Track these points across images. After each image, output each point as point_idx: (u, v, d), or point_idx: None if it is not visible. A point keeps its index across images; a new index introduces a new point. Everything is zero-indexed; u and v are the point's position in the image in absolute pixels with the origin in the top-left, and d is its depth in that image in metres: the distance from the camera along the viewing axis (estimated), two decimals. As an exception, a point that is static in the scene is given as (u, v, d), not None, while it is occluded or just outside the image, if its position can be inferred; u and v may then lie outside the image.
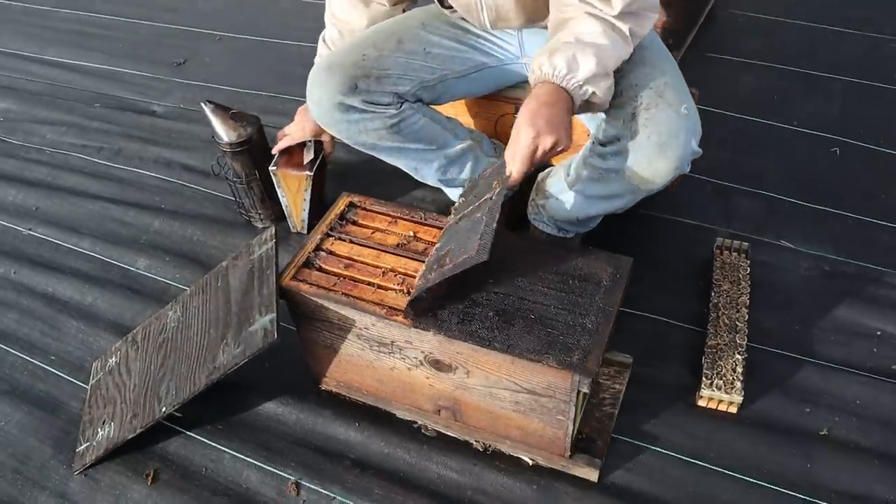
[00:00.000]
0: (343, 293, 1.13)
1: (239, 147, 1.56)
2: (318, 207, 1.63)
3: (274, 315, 1.09)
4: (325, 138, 1.60)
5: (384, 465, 1.23)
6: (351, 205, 1.29)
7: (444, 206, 1.63)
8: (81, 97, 2.21)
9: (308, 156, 1.58)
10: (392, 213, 1.27)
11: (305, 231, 1.67)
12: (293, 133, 1.59)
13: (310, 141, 1.59)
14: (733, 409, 1.25)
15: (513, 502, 1.17)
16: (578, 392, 1.02)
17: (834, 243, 1.54)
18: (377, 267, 1.17)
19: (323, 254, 1.20)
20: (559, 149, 1.09)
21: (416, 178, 1.49)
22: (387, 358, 1.17)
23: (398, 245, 1.20)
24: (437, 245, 1.15)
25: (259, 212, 1.68)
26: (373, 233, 1.24)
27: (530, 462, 1.21)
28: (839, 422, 1.24)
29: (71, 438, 1.31)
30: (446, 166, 1.45)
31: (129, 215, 1.77)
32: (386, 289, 1.13)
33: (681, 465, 1.20)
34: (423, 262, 1.16)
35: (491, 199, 1.08)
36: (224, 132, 1.56)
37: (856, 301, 1.43)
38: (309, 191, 1.59)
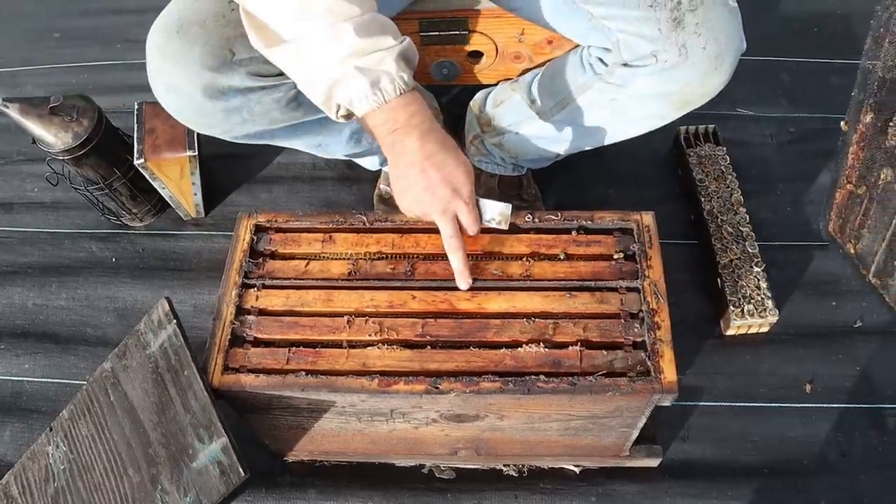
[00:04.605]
0: (306, 371, 0.80)
1: (81, 149, 1.13)
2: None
3: (225, 440, 0.75)
4: None
5: (410, 538, 0.98)
6: (258, 229, 0.92)
7: (369, 196, 1.28)
8: None
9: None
10: (321, 226, 0.92)
11: (204, 214, 1.30)
12: None
13: None
14: (765, 329, 1.10)
15: (576, 526, 0.98)
16: (654, 406, 0.81)
17: (789, 98, 1.39)
18: (336, 314, 0.84)
19: (251, 318, 0.84)
20: (464, 197, 0.80)
21: (320, 155, 1.12)
22: (383, 424, 0.88)
23: (350, 273, 0.87)
24: None
25: (133, 211, 1.28)
26: (307, 264, 0.88)
27: (577, 471, 1.01)
28: (867, 307, 1.13)
29: None
30: (360, 131, 1.08)
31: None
32: (363, 344, 0.81)
33: (736, 413, 1.04)
34: (398, 287, 0.84)
35: None
36: (51, 136, 1.11)
37: (831, 160, 1.29)
38: (197, 172, 1.20)
